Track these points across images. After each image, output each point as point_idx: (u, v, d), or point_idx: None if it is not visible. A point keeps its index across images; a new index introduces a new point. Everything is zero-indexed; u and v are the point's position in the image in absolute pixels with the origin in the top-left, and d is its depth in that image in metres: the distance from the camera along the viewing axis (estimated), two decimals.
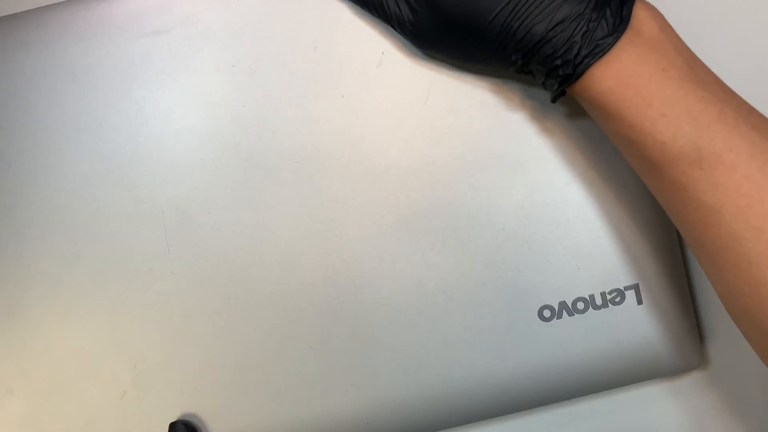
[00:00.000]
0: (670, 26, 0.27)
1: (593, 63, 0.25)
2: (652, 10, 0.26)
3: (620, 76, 0.25)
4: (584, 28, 0.25)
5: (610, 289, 0.32)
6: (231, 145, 0.32)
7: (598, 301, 0.32)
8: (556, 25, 0.25)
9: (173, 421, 0.31)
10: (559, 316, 0.32)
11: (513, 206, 0.32)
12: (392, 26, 0.31)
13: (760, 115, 0.25)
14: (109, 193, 0.32)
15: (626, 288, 0.32)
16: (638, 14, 0.26)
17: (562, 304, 0.32)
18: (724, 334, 0.34)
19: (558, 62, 0.26)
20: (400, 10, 0.30)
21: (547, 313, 0.32)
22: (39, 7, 0.32)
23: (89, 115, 0.32)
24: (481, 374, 0.32)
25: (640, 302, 0.32)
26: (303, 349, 0.32)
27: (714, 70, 0.27)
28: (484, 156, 0.32)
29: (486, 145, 0.32)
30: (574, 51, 0.25)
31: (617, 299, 0.32)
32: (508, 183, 0.32)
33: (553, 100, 0.28)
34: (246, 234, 0.32)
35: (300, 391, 0.31)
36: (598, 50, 0.25)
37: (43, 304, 0.31)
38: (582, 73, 0.26)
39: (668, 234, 0.32)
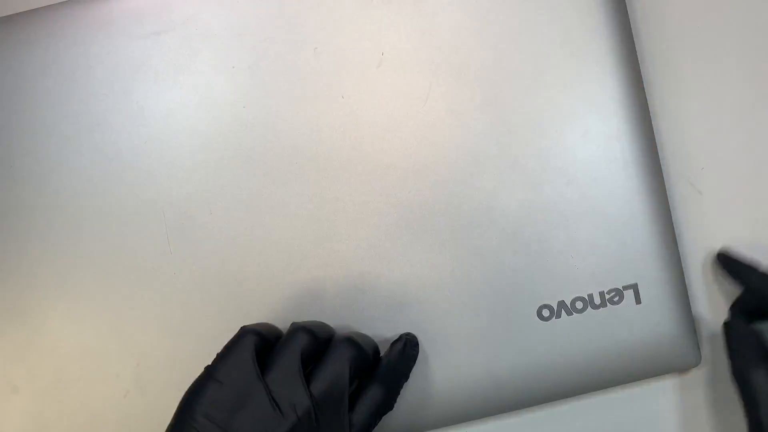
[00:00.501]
0: None
1: None
2: None
3: None
4: None
5: (608, 289, 0.32)
6: (232, 145, 0.32)
7: (597, 300, 0.32)
8: None
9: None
10: (558, 316, 0.32)
11: (512, 206, 0.32)
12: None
13: None
14: (111, 194, 0.32)
15: (625, 287, 0.32)
16: None
17: (561, 304, 0.32)
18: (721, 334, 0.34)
19: None
20: None
21: (546, 313, 0.32)
22: (39, 8, 0.32)
23: (90, 116, 0.32)
24: (480, 372, 0.32)
25: (638, 302, 0.32)
26: None
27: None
28: (484, 156, 0.32)
29: (485, 146, 0.32)
30: None
31: (616, 299, 0.32)
32: (508, 183, 0.32)
33: None
34: (247, 234, 0.32)
35: None
36: None
37: (47, 304, 0.32)
38: None
39: (667, 234, 0.32)
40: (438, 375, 0.32)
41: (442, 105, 0.32)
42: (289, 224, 0.32)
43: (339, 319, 0.32)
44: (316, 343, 0.28)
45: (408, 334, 0.32)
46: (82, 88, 0.32)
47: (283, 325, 0.32)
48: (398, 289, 0.32)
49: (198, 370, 0.31)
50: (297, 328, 0.28)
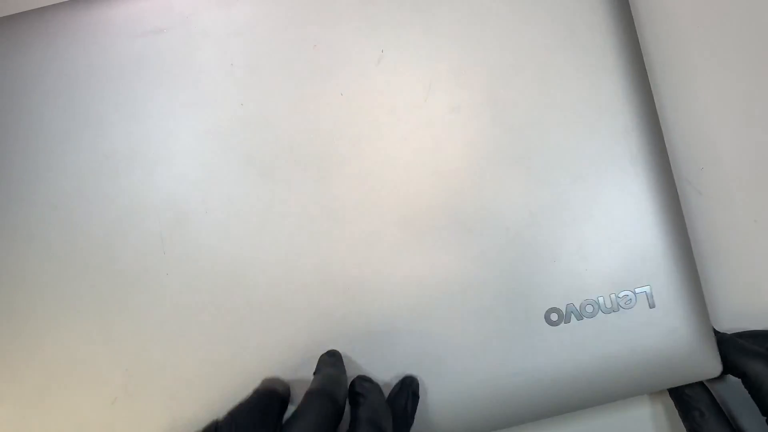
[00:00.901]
0: None
1: None
2: None
3: None
4: None
5: (620, 292, 0.31)
6: (229, 143, 0.31)
7: (608, 304, 0.31)
8: None
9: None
10: (567, 320, 0.31)
11: (517, 205, 0.31)
12: None
13: None
14: (104, 192, 0.31)
15: (637, 290, 0.31)
16: None
17: (570, 307, 0.31)
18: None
19: None
20: None
21: (554, 317, 0.31)
22: (39, 8, 0.32)
23: (86, 114, 0.31)
24: (485, 381, 0.30)
25: (652, 306, 0.31)
26: (300, 353, 0.30)
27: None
28: (486, 154, 0.31)
29: (488, 143, 0.31)
30: None
31: (628, 302, 0.30)
32: (512, 181, 0.31)
33: None
34: (243, 233, 0.31)
35: (297, 397, 0.30)
36: None
37: (33, 306, 0.31)
38: None
39: (679, 234, 0.31)
40: (440, 385, 0.30)
41: (443, 102, 0.31)
42: (287, 223, 0.31)
43: (336, 322, 0.30)
44: (335, 412, 0.26)
45: (411, 384, 0.29)
46: (79, 86, 0.31)
47: (281, 327, 0.30)
48: (398, 292, 0.31)
49: (189, 376, 0.30)
50: (316, 396, 0.26)
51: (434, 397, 0.30)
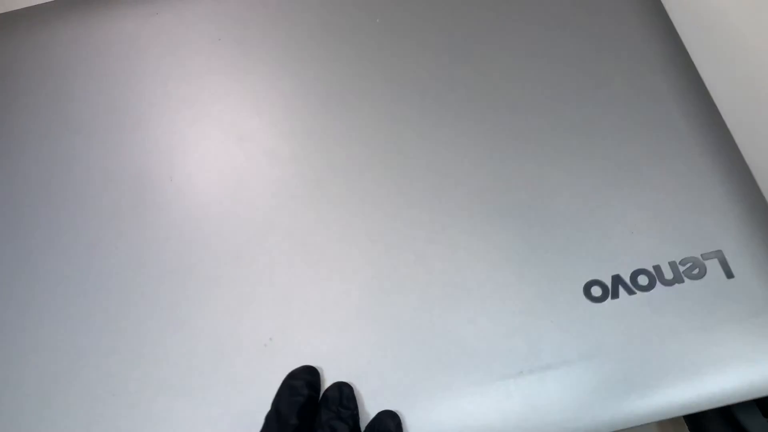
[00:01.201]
0: None
1: None
2: None
3: None
4: None
5: (681, 258, 0.23)
6: (208, 111, 0.28)
7: (668, 274, 0.23)
8: None
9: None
10: (615, 295, 0.23)
11: (539, 155, 0.25)
12: None
13: None
14: (66, 163, 0.28)
15: (705, 256, 0.23)
16: None
17: (617, 279, 0.23)
18: None
19: None
20: None
21: (596, 291, 0.23)
22: (38, 5, 0.32)
23: (67, 95, 0.29)
24: (507, 379, 0.22)
25: (730, 275, 0.23)
26: (262, 341, 0.24)
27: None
28: (505, 99, 0.27)
29: (507, 87, 0.27)
30: None
31: (695, 271, 0.23)
32: (533, 126, 0.26)
33: None
34: (210, 203, 0.26)
35: (258, 389, 0.23)
36: None
37: None
38: None
39: (748, 187, 0.24)
40: (450, 388, 0.22)
41: (452, 59, 0.28)
42: (261, 198, 0.26)
43: (326, 305, 0.24)
44: None
45: (392, 421, 0.23)
46: (64, 70, 0.30)
47: (244, 311, 0.24)
48: (399, 278, 0.24)
49: (133, 364, 0.24)
50: None
51: (444, 400, 0.22)
